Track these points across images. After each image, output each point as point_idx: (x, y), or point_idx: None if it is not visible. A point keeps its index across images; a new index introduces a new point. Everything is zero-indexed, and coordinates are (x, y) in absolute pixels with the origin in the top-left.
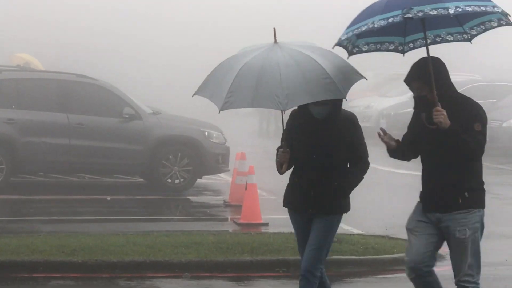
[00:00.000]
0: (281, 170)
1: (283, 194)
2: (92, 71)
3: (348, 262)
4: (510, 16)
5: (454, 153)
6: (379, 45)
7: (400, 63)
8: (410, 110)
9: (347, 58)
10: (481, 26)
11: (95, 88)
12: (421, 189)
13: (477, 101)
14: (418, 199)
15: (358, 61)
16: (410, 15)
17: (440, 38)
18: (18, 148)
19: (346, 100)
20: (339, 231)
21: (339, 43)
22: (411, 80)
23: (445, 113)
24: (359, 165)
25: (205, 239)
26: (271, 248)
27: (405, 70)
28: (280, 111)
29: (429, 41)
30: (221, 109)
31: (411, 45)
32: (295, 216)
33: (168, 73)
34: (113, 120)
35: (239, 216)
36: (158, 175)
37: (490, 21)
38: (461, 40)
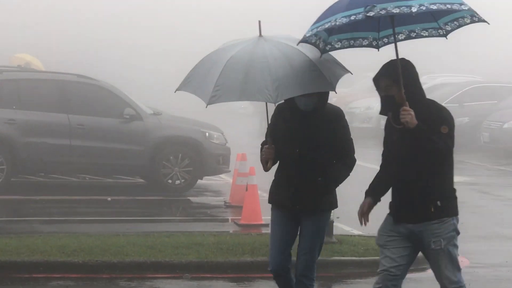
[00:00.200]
0: (266, 167)
1: None
2: (93, 71)
3: (349, 263)
4: (477, 14)
5: (422, 156)
6: (352, 41)
7: None
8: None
9: (320, 57)
10: (455, 22)
11: (96, 88)
12: (390, 200)
13: (479, 103)
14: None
15: (359, 64)
16: (373, 13)
17: (415, 34)
18: (19, 149)
19: (336, 92)
20: (339, 231)
21: (305, 40)
22: (379, 78)
23: (412, 112)
24: (345, 160)
25: (205, 240)
26: (267, 250)
27: None
28: (269, 107)
29: (403, 36)
30: (208, 103)
31: (385, 40)
32: (279, 212)
33: (168, 74)
34: (114, 121)
35: (240, 217)
36: (159, 176)
37: (463, 17)
38: (436, 36)
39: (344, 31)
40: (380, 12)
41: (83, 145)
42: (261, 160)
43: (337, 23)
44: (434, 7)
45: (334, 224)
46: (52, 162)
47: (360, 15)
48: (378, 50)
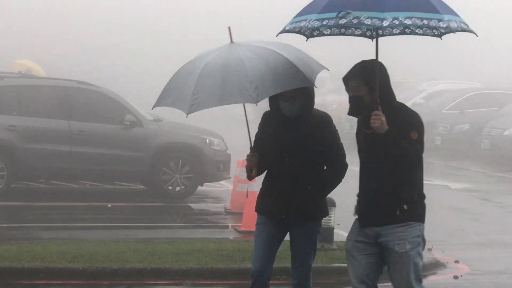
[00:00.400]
0: (250, 175)
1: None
2: (94, 77)
3: None
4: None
5: (391, 161)
6: (343, 29)
7: (402, 71)
8: None
9: (306, 41)
10: (458, 24)
11: (96, 94)
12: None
13: (479, 110)
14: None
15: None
16: (345, 20)
17: (409, 30)
18: (19, 155)
19: (316, 87)
20: (340, 238)
21: (287, 31)
22: (349, 78)
23: (383, 118)
24: (334, 167)
25: (206, 246)
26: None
27: (406, 78)
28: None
29: (398, 31)
30: (188, 112)
31: (379, 31)
32: (266, 220)
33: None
34: (114, 127)
35: (240, 224)
36: (159, 182)
37: (461, 22)
38: (431, 35)
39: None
40: (352, 21)
41: (83, 151)
42: (246, 168)
43: (309, 25)
44: (408, 21)
45: (335, 230)
46: (53, 168)
47: (332, 21)
48: (372, 41)
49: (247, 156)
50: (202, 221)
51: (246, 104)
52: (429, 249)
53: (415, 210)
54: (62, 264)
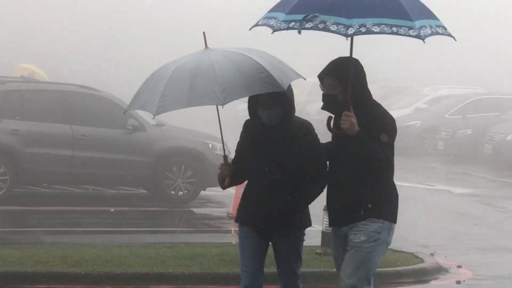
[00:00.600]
0: (223, 185)
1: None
2: (96, 82)
3: None
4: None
5: (360, 163)
6: (321, 25)
7: (405, 76)
8: (414, 122)
9: (272, 32)
10: (433, 29)
11: (99, 99)
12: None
13: (482, 114)
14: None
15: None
16: (311, 24)
17: (390, 31)
18: (22, 159)
19: (286, 92)
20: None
21: (260, 24)
22: (324, 75)
23: (353, 119)
24: (316, 177)
25: (208, 251)
26: (274, 261)
27: (410, 83)
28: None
29: (378, 29)
30: (155, 113)
31: (356, 26)
32: (245, 228)
33: None
34: (117, 132)
35: None
36: (162, 187)
37: (438, 26)
38: (413, 37)
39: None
40: (319, 25)
41: (86, 155)
42: (218, 177)
43: (276, 26)
44: (376, 29)
45: None
46: (55, 173)
47: (297, 24)
48: (347, 39)
49: (220, 165)
50: (204, 226)
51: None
52: (432, 254)
53: (379, 208)
54: (65, 268)
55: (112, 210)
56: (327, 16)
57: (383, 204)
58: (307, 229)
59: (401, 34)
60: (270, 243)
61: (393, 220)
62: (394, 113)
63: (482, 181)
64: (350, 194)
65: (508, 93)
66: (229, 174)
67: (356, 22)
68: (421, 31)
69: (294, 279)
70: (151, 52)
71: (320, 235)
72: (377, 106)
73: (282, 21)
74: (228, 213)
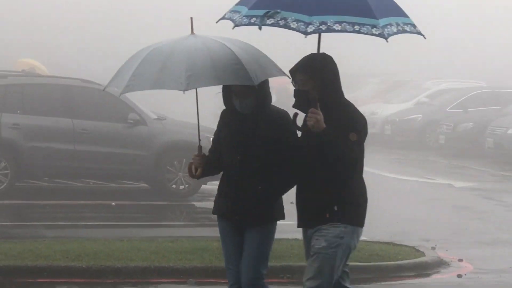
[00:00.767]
0: (192, 174)
1: (287, 201)
2: (97, 76)
3: (353, 269)
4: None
5: (326, 162)
6: (282, 21)
7: (405, 70)
8: (415, 116)
9: (233, 27)
10: (399, 27)
11: (100, 93)
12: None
13: (483, 108)
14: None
15: (362, 69)
16: (272, 21)
17: (352, 29)
18: (23, 153)
19: (256, 87)
20: None
21: (224, 18)
22: (296, 71)
23: (319, 116)
24: (289, 168)
25: (209, 245)
26: (275, 255)
27: (411, 77)
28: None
29: (339, 27)
30: (121, 92)
31: (316, 23)
32: (223, 223)
33: None
34: (118, 126)
35: None
36: (163, 181)
37: (406, 23)
38: (376, 36)
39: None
40: (279, 22)
41: (87, 149)
42: (188, 166)
43: (238, 21)
44: (338, 27)
45: None
46: (56, 167)
47: (258, 20)
48: (306, 37)
49: (193, 155)
50: (205, 220)
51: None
52: (433, 248)
53: (345, 211)
54: (66, 262)
55: (113, 204)
56: (289, 12)
57: (350, 206)
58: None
59: (363, 33)
60: None
61: (358, 223)
62: (395, 107)
63: (483, 175)
64: (317, 195)
65: (510, 87)
66: (202, 165)
67: (316, 19)
68: (385, 29)
69: (257, 276)
70: None
71: None
72: (347, 105)
73: (244, 16)
74: None
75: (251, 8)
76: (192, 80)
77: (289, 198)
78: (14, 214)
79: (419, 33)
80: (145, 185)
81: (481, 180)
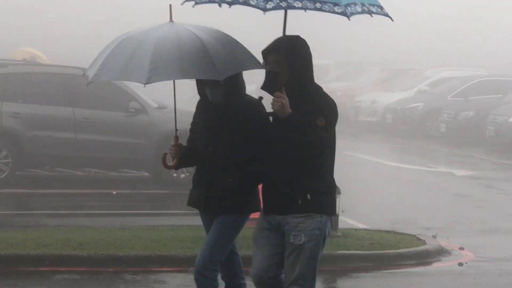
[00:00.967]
0: (167, 165)
1: None
2: None
3: (354, 257)
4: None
5: (294, 147)
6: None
7: (406, 59)
8: (416, 105)
9: (193, 6)
10: (364, 7)
11: (101, 82)
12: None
13: (484, 97)
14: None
15: (363, 58)
16: None
17: (313, 6)
18: (24, 142)
19: (221, 82)
20: (344, 225)
21: (188, 0)
22: (268, 52)
23: (284, 100)
24: (260, 160)
25: None
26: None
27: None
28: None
29: (300, 4)
30: (89, 81)
31: (276, 0)
32: (200, 215)
33: None
34: (119, 115)
35: None
36: (164, 170)
37: (373, 5)
38: (338, 13)
39: None
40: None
41: (88, 138)
42: (162, 156)
43: None
44: (298, 4)
45: (339, 218)
46: (57, 156)
47: None
48: (264, 14)
49: (170, 145)
50: None
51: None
52: (434, 236)
53: (319, 201)
54: (67, 251)
55: (114, 192)
56: None
57: (325, 196)
58: None
59: (325, 11)
60: None
61: (332, 213)
62: (396, 96)
63: (484, 163)
64: (287, 181)
65: (511, 75)
66: (179, 155)
67: None
68: (348, 8)
69: (211, 260)
70: None
71: None
72: (317, 89)
73: None
74: None
75: None
76: (155, 73)
77: None
78: (15, 203)
79: (386, 15)
80: (146, 173)
81: (482, 169)
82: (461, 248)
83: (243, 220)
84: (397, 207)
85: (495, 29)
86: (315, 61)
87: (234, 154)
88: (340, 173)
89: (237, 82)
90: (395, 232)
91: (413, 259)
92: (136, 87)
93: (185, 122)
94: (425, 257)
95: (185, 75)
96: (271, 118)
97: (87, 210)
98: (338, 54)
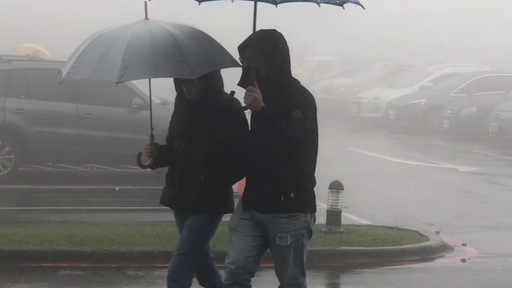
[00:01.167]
0: (142, 165)
1: None
2: None
3: (357, 253)
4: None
5: (272, 142)
6: None
7: (408, 55)
8: (419, 101)
9: (199, 4)
10: None
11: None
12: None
13: (487, 93)
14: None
15: (365, 54)
16: None
17: None
18: (27, 138)
19: (195, 81)
20: (347, 221)
21: None
22: (244, 47)
23: (257, 94)
24: (234, 159)
25: None
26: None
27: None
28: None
29: None
30: (61, 80)
31: None
32: (174, 214)
33: None
34: (122, 110)
35: None
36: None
37: None
38: (307, 0)
39: None
40: None
41: (91, 134)
42: (137, 155)
43: None
44: None
45: (342, 214)
46: (60, 152)
47: None
48: (232, 2)
49: (146, 144)
50: None
51: None
52: (437, 232)
53: (302, 199)
54: (70, 247)
55: (117, 188)
56: None
57: (307, 193)
58: None
59: (295, 0)
60: None
61: (315, 209)
62: (399, 92)
63: (487, 159)
64: (267, 178)
65: None
66: (154, 154)
67: None
68: None
69: (182, 265)
70: None
71: (325, 213)
72: (294, 83)
73: None
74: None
75: None
76: (127, 72)
77: None
78: (18, 199)
79: (357, 3)
80: (149, 169)
81: (485, 165)
82: (464, 244)
83: (216, 221)
84: (400, 203)
85: (498, 25)
86: (318, 57)
87: (208, 151)
88: (343, 169)
89: (214, 79)
90: (398, 228)
91: (416, 255)
92: (139, 83)
93: None
94: (428, 253)
95: (158, 74)
96: (247, 113)
97: (90, 206)
98: (341, 50)
